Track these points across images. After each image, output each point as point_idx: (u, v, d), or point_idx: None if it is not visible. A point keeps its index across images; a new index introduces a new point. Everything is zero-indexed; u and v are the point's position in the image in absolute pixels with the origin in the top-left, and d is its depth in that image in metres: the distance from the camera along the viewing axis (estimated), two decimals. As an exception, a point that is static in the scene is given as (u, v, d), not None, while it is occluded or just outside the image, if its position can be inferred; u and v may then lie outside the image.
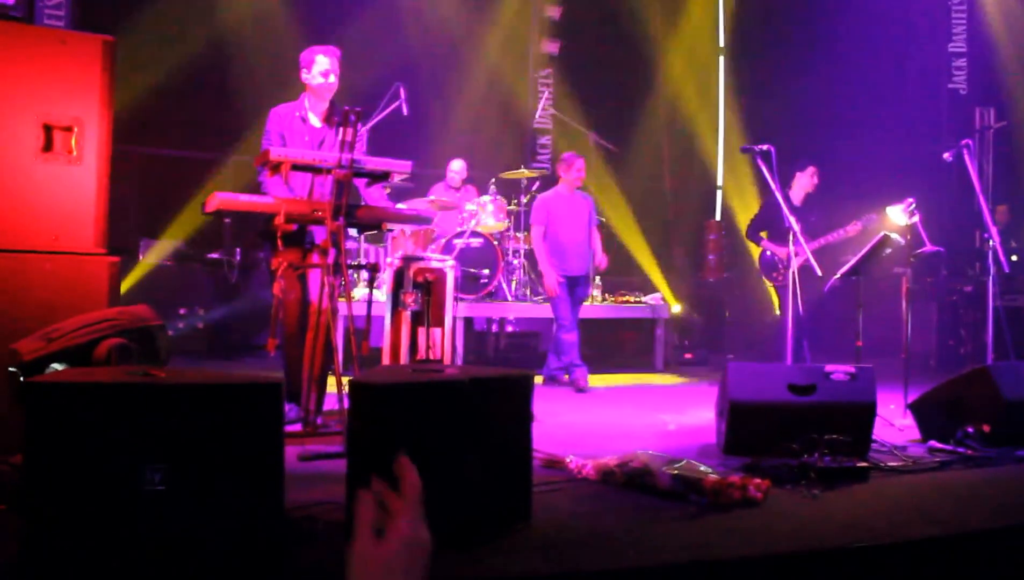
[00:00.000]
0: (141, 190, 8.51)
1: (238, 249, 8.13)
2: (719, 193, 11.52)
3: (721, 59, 11.67)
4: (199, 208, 3.98)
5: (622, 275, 9.09)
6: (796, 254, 5.41)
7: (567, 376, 6.53)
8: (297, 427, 4.13)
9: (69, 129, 3.56)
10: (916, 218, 5.24)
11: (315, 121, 4.63)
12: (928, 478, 3.60)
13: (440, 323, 4.67)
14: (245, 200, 4.00)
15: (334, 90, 4.61)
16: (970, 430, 4.00)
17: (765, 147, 5.38)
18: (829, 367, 3.90)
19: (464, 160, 8.33)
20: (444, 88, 9.10)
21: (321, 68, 4.54)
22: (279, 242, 3.90)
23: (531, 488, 2.84)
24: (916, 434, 4.38)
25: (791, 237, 5.36)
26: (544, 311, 7.82)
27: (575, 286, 6.57)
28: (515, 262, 7.97)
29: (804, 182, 7.18)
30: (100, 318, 3.11)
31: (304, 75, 4.59)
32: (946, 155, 5.39)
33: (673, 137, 11.21)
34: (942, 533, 2.82)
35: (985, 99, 9.62)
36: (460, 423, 2.61)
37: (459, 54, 9.65)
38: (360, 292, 6.98)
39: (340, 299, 4.17)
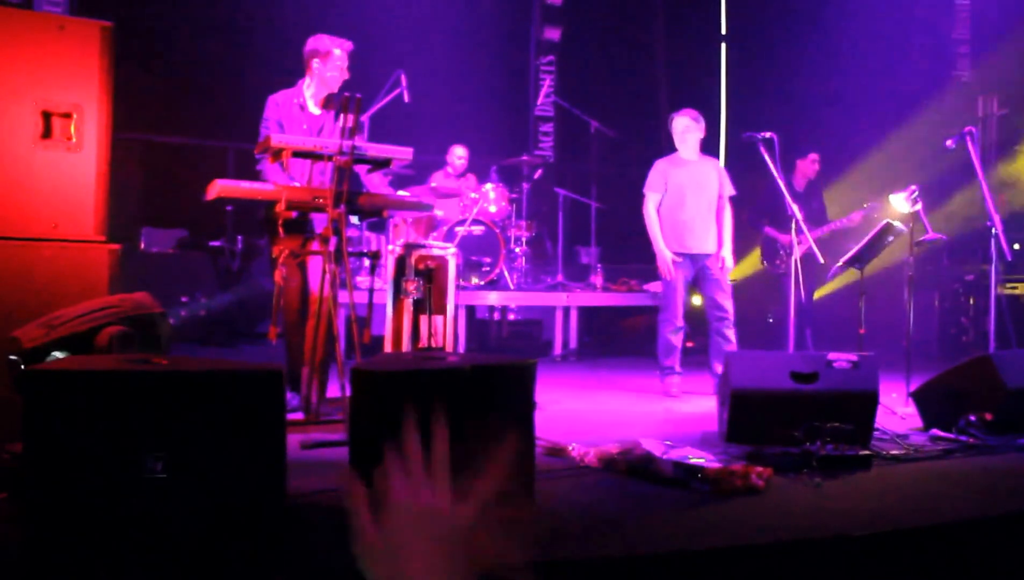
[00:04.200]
0: (142, 178, 8.49)
1: (239, 237, 8.11)
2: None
3: (723, 46, 11.62)
4: (200, 196, 3.97)
5: (623, 262, 9.07)
6: (799, 242, 5.40)
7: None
8: (299, 415, 4.13)
9: (68, 116, 3.54)
10: (919, 206, 5.22)
11: (314, 108, 4.61)
12: (930, 466, 3.60)
13: (442, 311, 4.66)
14: (246, 187, 3.98)
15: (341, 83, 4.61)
16: (972, 418, 3.99)
17: (768, 134, 5.36)
18: (831, 355, 3.89)
19: (465, 147, 8.31)
20: (445, 75, 9.06)
21: (339, 63, 4.54)
22: (280, 230, 3.89)
23: (534, 476, 2.84)
24: (918, 422, 4.37)
25: (793, 224, 5.34)
26: (545, 299, 7.82)
27: (697, 269, 5.65)
28: (517, 250, 7.95)
29: (805, 168, 7.18)
30: (101, 306, 3.10)
31: (315, 64, 4.55)
32: (949, 142, 5.36)
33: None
34: (944, 521, 2.82)
35: (988, 87, 9.57)
36: (462, 411, 2.60)
37: (460, 41, 9.60)
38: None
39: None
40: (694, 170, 5.71)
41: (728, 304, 5.63)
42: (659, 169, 5.76)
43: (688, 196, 5.63)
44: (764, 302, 8.03)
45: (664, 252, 5.61)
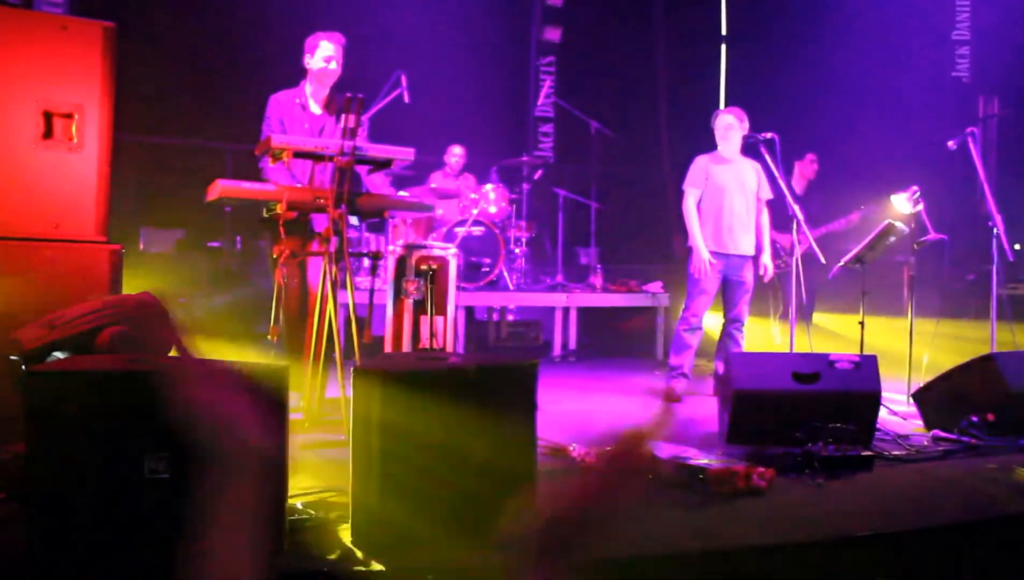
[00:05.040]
0: (141, 178, 8.47)
1: (238, 237, 8.11)
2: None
3: (723, 46, 11.62)
4: (200, 196, 3.96)
5: (622, 263, 9.08)
6: (799, 242, 5.39)
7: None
8: (299, 415, 4.11)
9: (69, 116, 3.53)
10: (920, 206, 5.22)
11: (315, 108, 4.61)
12: (932, 467, 3.60)
13: (443, 311, 4.65)
14: (247, 188, 3.97)
15: (335, 77, 4.58)
16: (974, 419, 4.00)
17: (769, 135, 5.36)
18: (833, 356, 3.89)
19: (462, 145, 8.30)
20: (445, 76, 9.06)
21: (324, 53, 4.50)
22: (280, 230, 3.88)
23: (536, 476, 2.83)
24: (920, 423, 4.38)
25: (794, 225, 5.34)
26: (545, 300, 7.82)
27: (731, 271, 5.47)
28: (516, 251, 7.94)
29: (804, 170, 7.19)
30: (102, 306, 3.10)
31: (306, 59, 4.55)
32: (950, 143, 5.36)
33: (674, 124, 11.18)
34: (945, 522, 2.82)
35: (988, 87, 9.58)
36: (464, 411, 2.59)
37: (460, 42, 9.60)
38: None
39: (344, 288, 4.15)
40: (735, 169, 5.54)
41: (746, 312, 5.55)
42: (699, 165, 5.56)
43: (728, 195, 5.47)
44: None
45: (702, 249, 5.41)
